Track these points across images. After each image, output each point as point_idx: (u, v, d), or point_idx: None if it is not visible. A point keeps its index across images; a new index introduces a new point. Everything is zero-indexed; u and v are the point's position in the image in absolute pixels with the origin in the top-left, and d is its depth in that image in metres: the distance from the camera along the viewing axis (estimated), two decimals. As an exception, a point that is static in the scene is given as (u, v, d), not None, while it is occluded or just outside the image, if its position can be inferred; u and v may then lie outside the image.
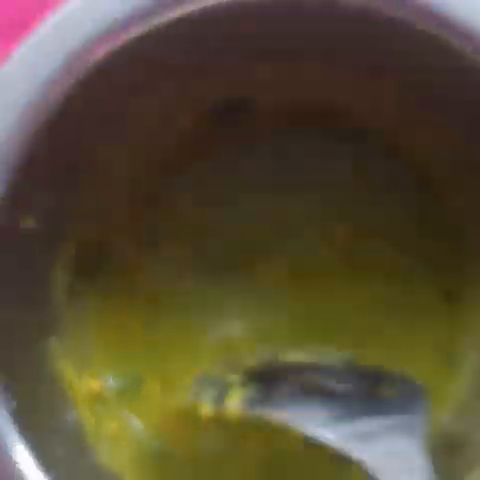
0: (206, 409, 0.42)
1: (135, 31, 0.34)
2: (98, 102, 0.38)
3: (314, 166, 0.46)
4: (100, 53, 0.34)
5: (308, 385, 0.41)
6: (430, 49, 0.35)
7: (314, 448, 0.37)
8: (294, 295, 0.45)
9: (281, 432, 0.41)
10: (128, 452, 0.43)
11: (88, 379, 0.42)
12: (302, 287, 0.45)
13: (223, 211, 0.46)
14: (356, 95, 0.44)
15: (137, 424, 0.44)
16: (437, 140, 0.44)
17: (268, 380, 0.42)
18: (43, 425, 0.36)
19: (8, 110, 0.34)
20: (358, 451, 0.35)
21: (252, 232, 0.46)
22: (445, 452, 0.42)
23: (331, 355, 0.44)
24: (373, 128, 0.46)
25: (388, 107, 0.43)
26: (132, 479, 0.40)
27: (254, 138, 0.46)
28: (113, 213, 0.45)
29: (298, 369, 0.43)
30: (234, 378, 0.43)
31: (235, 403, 0.41)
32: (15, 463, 0.33)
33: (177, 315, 0.45)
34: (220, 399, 0.42)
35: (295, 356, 0.44)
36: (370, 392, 0.40)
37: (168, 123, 0.44)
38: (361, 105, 0.44)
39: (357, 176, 0.46)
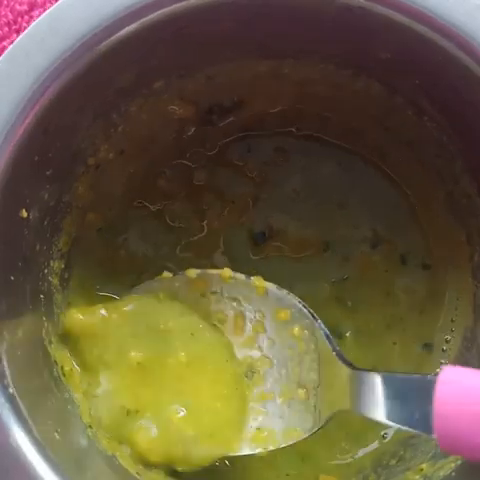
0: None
1: (126, 30, 0.35)
2: (90, 102, 0.38)
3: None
4: (91, 54, 0.35)
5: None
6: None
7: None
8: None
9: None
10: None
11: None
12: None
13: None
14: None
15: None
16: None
17: None
18: (39, 409, 0.37)
19: (1, 106, 0.34)
20: None
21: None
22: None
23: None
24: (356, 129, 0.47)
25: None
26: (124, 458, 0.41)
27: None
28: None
29: None
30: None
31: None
32: (13, 445, 0.34)
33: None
34: None
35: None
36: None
37: (159, 123, 0.45)
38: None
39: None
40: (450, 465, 0.38)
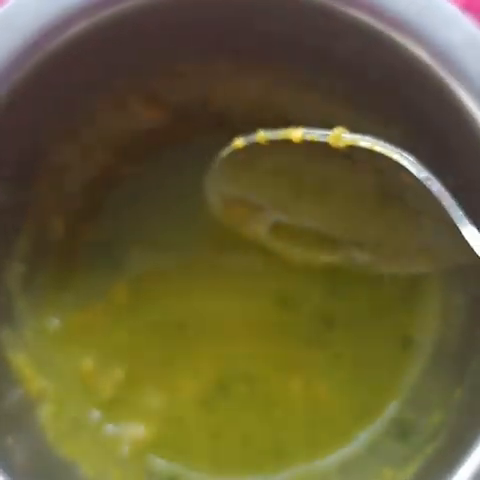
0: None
1: (79, 27, 0.34)
2: (51, 100, 0.38)
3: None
4: (49, 49, 0.34)
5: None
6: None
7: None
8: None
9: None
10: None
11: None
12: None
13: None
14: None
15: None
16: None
17: None
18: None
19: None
20: None
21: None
22: (394, 438, 0.43)
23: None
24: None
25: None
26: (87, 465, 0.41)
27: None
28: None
29: None
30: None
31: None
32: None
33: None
34: None
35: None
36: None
37: (121, 122, 0.44)
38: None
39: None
40: (411, 469, 0.39)
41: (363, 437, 0.44)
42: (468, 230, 0.34)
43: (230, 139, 0.46)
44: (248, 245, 0.46)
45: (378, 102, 0.40)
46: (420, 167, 0.35)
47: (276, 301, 0.45)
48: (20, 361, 0.41)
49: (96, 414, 0.44)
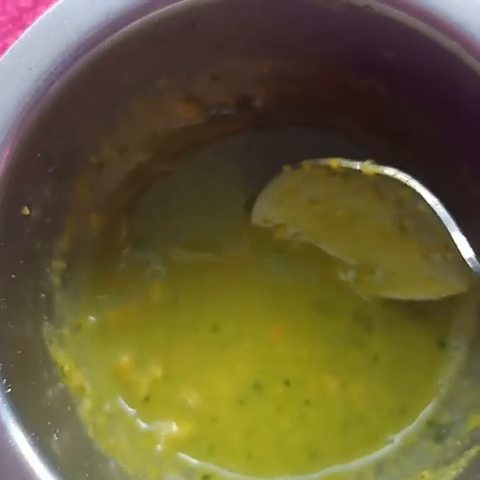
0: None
1: (132, 26, 0.34)
2: (94, 99, 0.38)
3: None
4: (97, 49, 0.35)
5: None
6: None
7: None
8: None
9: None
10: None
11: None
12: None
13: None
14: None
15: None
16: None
17: None
18: (37, 410, 0.36)
19: (4, 102, 0.34)
20: None
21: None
22: (430, 440, 0.43)
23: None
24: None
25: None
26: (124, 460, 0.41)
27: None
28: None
29: None
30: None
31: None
32: (11, 445, 0.34)
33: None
34: None
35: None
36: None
37: (158, 121, 0.45)
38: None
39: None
40: (451, 473, 0.38)
41: (398, 438, 0.44)
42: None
43: (264, 139, 0.47)
44: (284, 247, 0.46)
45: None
46: (434, 198, 0.40)
47: (315, 304, 0.45)
48: (60, 357, 0.41)
49: (132, 411, 0.44)
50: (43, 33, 0.34)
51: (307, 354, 0.45)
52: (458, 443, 0.40)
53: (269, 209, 0.46)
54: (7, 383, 0.34)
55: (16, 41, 0.34)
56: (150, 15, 0.35)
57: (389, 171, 0.41)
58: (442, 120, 0.41)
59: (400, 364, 0.44)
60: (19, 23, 0.50)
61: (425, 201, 0.40)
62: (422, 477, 0.40)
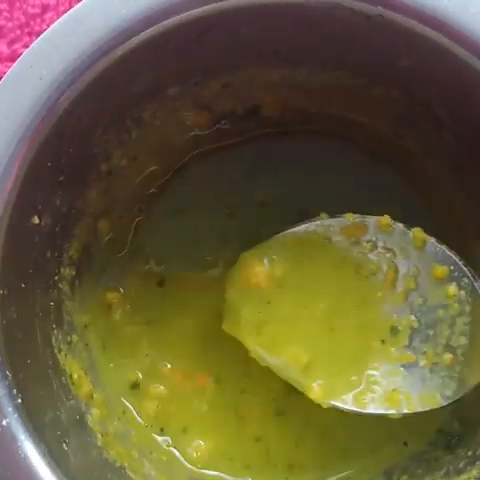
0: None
1: (143, 34, 0.34)
2: (105, 108, 0.38)
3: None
4: (108, 59, 0.34)
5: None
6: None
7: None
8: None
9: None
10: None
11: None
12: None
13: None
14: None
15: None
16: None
17: None
18: (47, 419, 0.36)
19: (16, 110, 0.34)
20: None
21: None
22: (441, 449, 0.43)
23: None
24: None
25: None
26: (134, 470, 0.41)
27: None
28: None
29: None
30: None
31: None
32: (21, 456, 0.33)
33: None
34: None
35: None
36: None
37: (168, 129, 0.44)
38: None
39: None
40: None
41: (411, 444, 0.44)
42: None
43: (276, 147, 0.47)
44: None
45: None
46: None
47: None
48: (68, 365, 0.41)
49: (140, 420, 0.44)
50: (53, 43, 0.34)
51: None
52: (469, 453, 0.40)
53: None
54: (17, 393, 0.34)
55: (26, 50, 0.34)
56: (161, 24, 0.34)
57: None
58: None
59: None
60: (27, 29, 0.50)
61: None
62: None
